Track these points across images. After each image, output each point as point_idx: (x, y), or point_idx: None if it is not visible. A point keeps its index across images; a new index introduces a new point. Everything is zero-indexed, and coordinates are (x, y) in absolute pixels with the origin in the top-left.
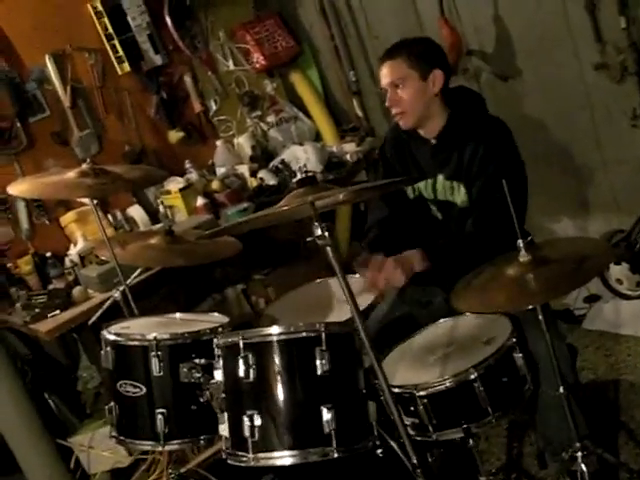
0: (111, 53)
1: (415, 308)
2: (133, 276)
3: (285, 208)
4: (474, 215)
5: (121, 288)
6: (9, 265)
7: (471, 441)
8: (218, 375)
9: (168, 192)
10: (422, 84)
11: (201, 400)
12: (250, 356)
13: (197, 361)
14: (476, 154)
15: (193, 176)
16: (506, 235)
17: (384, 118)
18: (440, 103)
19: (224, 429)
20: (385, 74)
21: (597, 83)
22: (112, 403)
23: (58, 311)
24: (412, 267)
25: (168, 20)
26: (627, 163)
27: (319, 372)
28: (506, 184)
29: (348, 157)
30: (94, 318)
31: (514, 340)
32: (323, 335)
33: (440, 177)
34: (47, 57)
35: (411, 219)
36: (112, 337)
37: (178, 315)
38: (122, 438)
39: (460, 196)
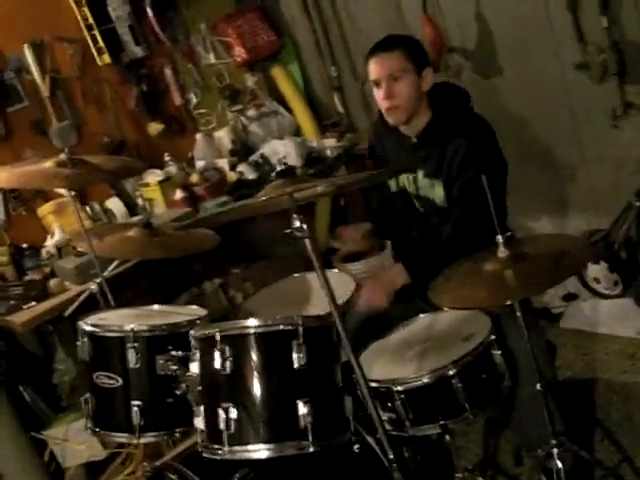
0: (91, 44)
1: (394, 305)
2: (110, 268)
3: (263, 199)
4: (454, 217)
5: (98, 280)
6: None
7: (448, 437)
8: (194, 367)
9: (147, 184)
10: (418, 79)
11: (177, 393)
12: (227, 349)
13: (174, 353)
14: (456, 155)
15: (172, 169)
16: (486, 236)
17: (365, 114)
18: (426, 102)
19: (200, 422)
20: (381, 66)
21: (578, 82)
22: (88, 394)
23: (34, 303)
24: (393, 286)
25: (149, 11)
26: (607, 163)
27: (296, 365)
28: (485, 183)
29: (328, 152)
30: (70, 310)
31: (493, 337)
32: (300, 328)
33: (420, 173)
34: (26, 46)
35: (394, 210)
36: (89, 328)
37: (156, 307)
38: (97, 430)
39: (438, 195)
